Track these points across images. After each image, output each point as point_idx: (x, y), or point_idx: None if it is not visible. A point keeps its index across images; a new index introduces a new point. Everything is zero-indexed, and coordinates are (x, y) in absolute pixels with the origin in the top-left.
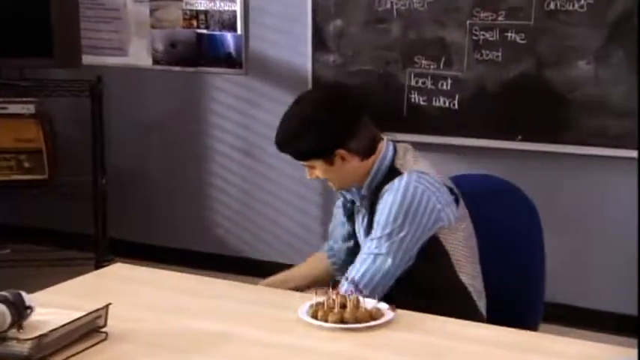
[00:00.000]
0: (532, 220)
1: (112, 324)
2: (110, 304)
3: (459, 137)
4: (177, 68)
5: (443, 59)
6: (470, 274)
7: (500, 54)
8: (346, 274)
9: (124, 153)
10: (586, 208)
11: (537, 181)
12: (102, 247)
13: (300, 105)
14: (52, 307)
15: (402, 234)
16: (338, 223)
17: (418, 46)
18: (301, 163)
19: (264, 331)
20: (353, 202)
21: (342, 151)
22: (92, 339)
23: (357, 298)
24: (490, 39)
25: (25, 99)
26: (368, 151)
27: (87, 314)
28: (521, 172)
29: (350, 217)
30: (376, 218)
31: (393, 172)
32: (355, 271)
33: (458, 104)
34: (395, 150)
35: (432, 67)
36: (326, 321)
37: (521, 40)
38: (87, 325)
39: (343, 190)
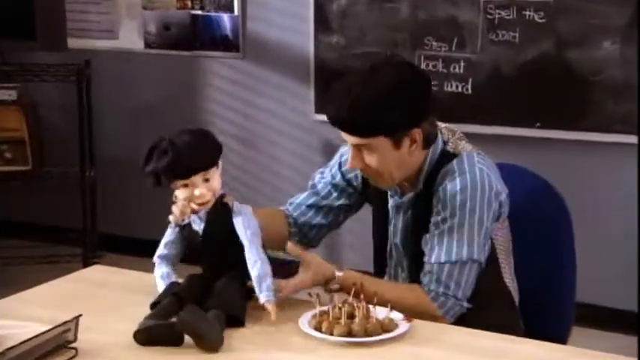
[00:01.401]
0: (561, 217)
1: (84, 338)
2: (81, 315)
3: (472, 124)
4: (170, 52)
5: (455, 40)
6: (510, 278)
7: (517, 34)
8: (434, 288)
9: (115, 142)
10: (612, 201)
11: (557, 171)
12: (90, 243)
13: (379, 73)
14: (14, 320)
15: (478, 226)
16: (326, 191)
17: (428, 26)
18: (355, 142)
19: (258, 345)
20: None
21: (417, 131)
22: (59, 356)
23: (367, 306)
24: (506, 18)
25: (6, 84)
26: (432, 138)
27: (53, 328)
28: (539, 162)
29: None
30: (439, 209)
31: (446, 157)
32: (455, 283)
33: (471, 89)
34: (441, 133)
35: (443, 48)
36: (331, 334)
37: (540, 18)
38: (53, 341)
39: (385, 186)
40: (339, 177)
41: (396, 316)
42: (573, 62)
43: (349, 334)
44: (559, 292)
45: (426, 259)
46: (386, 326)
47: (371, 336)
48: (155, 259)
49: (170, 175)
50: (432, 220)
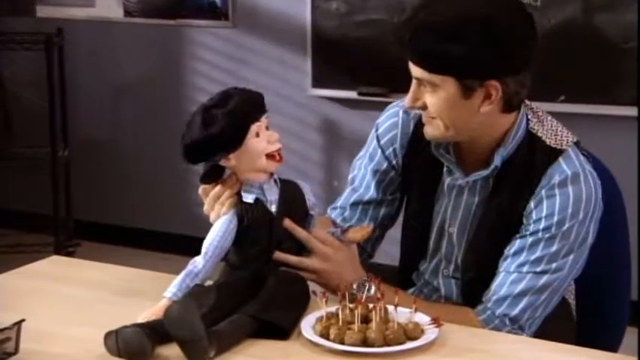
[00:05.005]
0: (615, 200)
1: (30, 349)
2: (23, 320)
3: None
4: (153, 21)
5: None
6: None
7: None
8: (493, 305)
9: (91, 120)
10: None
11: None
12: (64, 231)
13: None
14: None
15: (582, 240)
16: (363, 183)
17: None
18: (419, 75)
19: (252, 355)
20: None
21: (495, 85)
22: None
23: (386, 308)
24: None
25: None
26: (515, 103)
27: None
28: None
29: (382, 182)
30: (542, 217)
31: (533, 141)
32: (532, 308)
33: None
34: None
35: None
36: (341, 342)
37: None
38: None
39: (435, 136)
40: (378, 155)
41: (422, 319)
42: (603, 27)
43: (364, 342)
44: (613, 288)
45: (502, 265)
46: (410, 332)
47: (391, 345)
48: (208, 249)
49: (247, 113)
50: (530, 227)
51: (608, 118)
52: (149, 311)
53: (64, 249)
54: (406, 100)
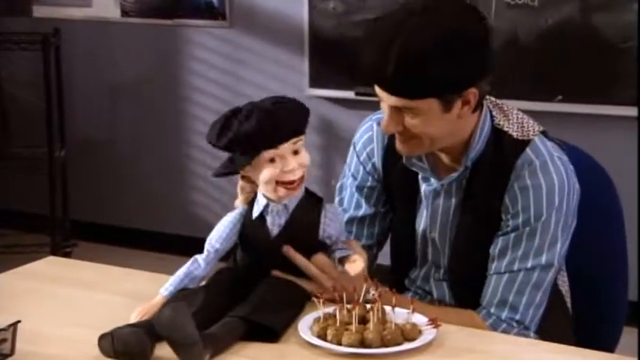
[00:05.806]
0: (611, 199)
1: (26, 350)
2: (19, 321)
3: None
4: (150, 21)
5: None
6: (562, 280)
7: None
8: (496, 310)
9: (88, 120)
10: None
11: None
12: (60, 231)
13: (431, 16)
14: None
15: (562, 227)
16: (352, 203)
17: None
18: (396, 104)
19: (248, 356)
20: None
21: (473, 92)
22: None
23: (384, 309)
24: None
25: None
26: (482, 101)
27: None
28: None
29: (372, 197)
30: (519, 210)
31: (499, 136)
32: (525, 303)
33: None
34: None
35: None
36: (339, 343)
37: None
38: None
39: (418, 152)
40: (361, 172)
41: (420, 320)
42: (601, 27)
43: (362, 343)
44: (610, 287)
45: (492, 267)
46: (407, 333)
47: (389, 346)
48: (210, 251)
49: (256, 140)
50: (510, 223)
51: (605, 118)
52: (142, 308)
53: (61, 249)
54: (383, 126)
